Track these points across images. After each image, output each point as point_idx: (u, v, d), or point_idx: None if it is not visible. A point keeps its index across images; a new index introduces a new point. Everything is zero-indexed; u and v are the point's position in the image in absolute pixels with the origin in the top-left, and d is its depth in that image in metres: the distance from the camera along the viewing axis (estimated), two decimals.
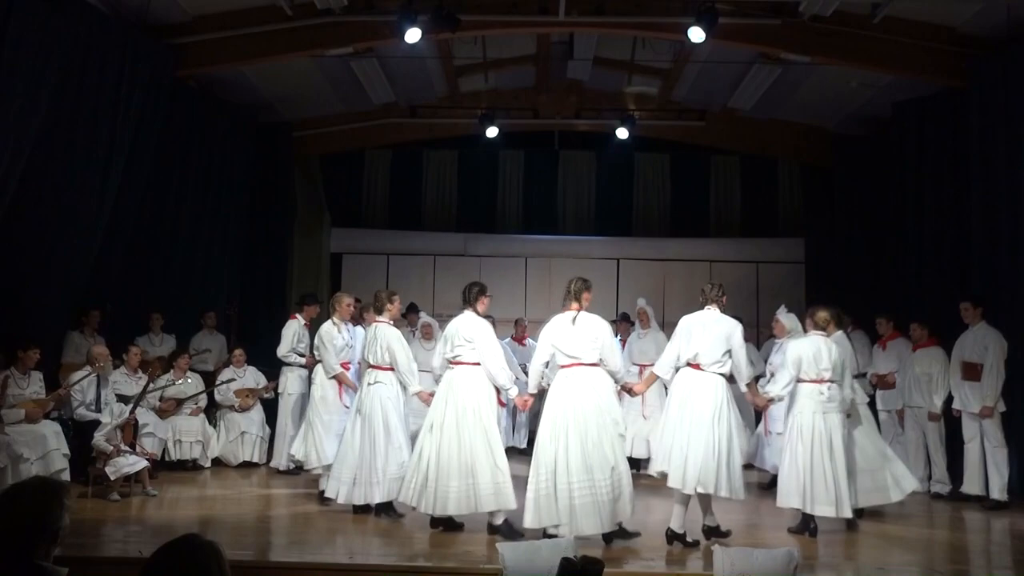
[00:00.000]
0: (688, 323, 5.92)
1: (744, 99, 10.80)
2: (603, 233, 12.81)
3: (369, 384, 6.50)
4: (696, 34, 7.87)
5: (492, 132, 11.34)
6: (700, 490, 5.57)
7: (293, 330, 8.39)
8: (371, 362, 6.52)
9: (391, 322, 6.64)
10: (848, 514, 6.02)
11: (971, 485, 7.52)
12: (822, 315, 6.33)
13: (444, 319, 11.65)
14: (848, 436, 6.31)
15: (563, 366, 5.74)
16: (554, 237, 12.76)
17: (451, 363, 6.10)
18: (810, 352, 6.16)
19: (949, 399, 7.73)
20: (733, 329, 5.80)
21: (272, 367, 8.93)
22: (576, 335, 5.71)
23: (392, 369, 6.48)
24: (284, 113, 11.20)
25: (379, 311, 6.68)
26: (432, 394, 6.29)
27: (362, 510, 6.47)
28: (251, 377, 9.08)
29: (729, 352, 5.74)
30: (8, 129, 6.48)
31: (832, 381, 6.14)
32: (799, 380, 6.16)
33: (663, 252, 12.51)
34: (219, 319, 9.83)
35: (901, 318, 8.44)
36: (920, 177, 9.21)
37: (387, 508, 6.41)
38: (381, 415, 6.40)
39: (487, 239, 12.58)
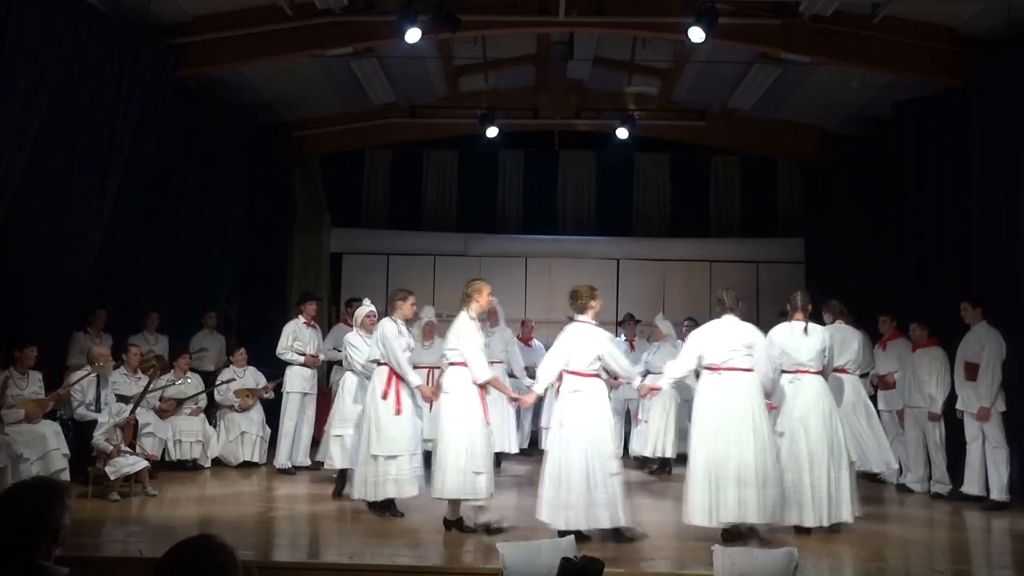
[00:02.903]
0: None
1: (744, 99, 10.80)
2: (603, 233, 12.81)
3: (570, 393, 5.77)
4: (696, 34, 7.86)
5: (492, 132, 11.33)
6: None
7: (290, 328, 8.47)
8: (573, 368, 5.80)
9: (594, 322, 5.93)
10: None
11: (971, 485, 7.52)
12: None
13: (444, 319, 11.71)
14: None
15: (789, 371, 6.13)
16: (554, 237, 12.76)
17: (717, 369, 5.81)
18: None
19: (951, 399, 7.73)
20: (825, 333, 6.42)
21: (272, 367, 8.96)
22: (806, 344, 6.10)
23: (596, 376, 5.81)
24: (284, 113, 11.19)
25: (581, 310, 5.93)
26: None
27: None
28: (251, 377, 9.09)
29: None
30: (8, 128, 6.48)
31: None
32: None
33: (663, 252, 12.51)
34: (219, 319, 9.84)
35: (901, 318, 8.45)
36: (920, 177, 9.20)
37: (621, 533, 5.69)
38: (588, 429, 5.66)
39: (487, 239, 12.58)
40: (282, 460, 8.39)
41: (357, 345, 7.25)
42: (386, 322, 6.62)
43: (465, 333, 6.04)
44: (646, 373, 8.13)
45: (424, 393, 6.55)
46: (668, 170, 13.25)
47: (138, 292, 8.93)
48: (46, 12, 6.68)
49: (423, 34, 8.00)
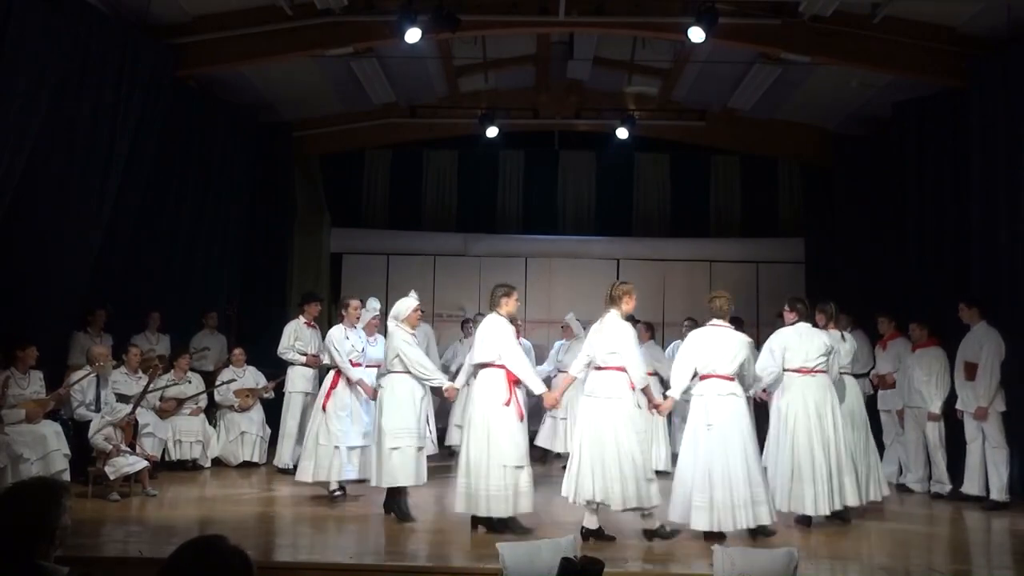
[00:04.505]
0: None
1: (744, 99, 10.80)
2: (603, 233, 12.79)
3: (719, 396, 5.87)
4: (696, 34, 7.86)
5: (492, 132, 11.32)
6: None
7: (291, 329, 8.47)
8: (719, 372, 5.91)
9: (731, 326, 6.10)
10: None
11: (971, 485, 7.52)
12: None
13: (444, 319, 11.82)
14: None
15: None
16: (554, 237, 12.75)
17: (810, 371, 6.43)
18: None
19: (951, 399, 7.73)
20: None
21: (272, 367, 8.96)
22: (846, 349, 7.02)
23: (733, 379, 5.93)
24: (284, 113, 11.19)
25: (723, 315, 6.07)
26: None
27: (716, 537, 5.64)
28: (251, 377, 9.09)
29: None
30: (8, 128, 6.48)
31: None
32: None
33: (663, 252, 12.49)
34: (219, 319, 9.84)
35: (901, 318, 8.45)
36: (920, 177, 9.20)
37: (765, 530, 5.86)
38: (743, 431, 5.85)
39: (487, 239, 12.57)
40: (284, 459, 8.37)
41: (411, 342, 6.54)
42: (499, 320, 6.09)
43: (626, 337, 5.84)
44: (555, 372, 9.10)
45: (549, 401, 6.31)
46: (668, 170, 13.23)
47: (138, 292, 8.93)
48: (46, 12, 6.68)
49: (423, 34, 8.00)
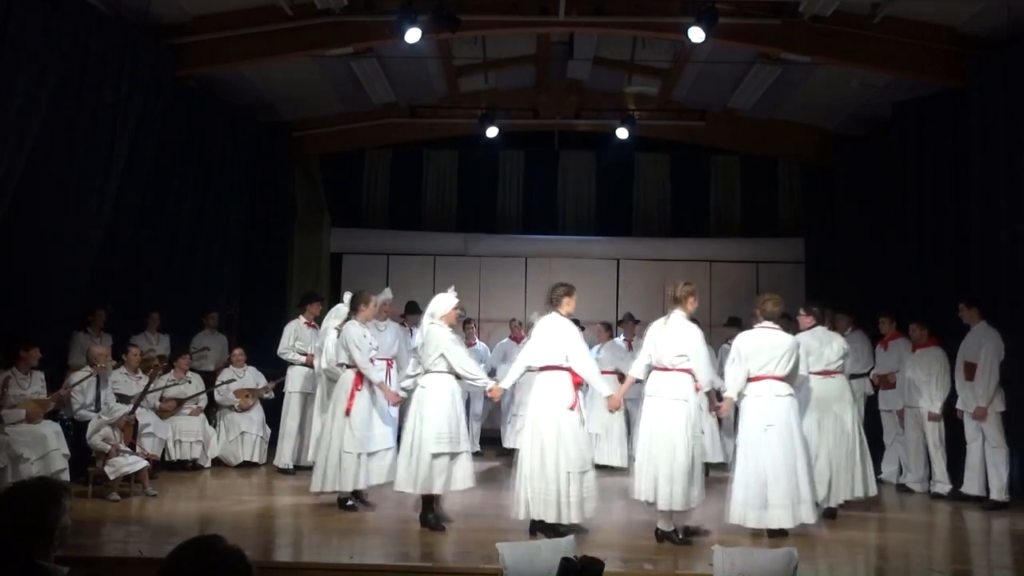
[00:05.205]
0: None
1: (744, 99, 10.80)
2: (603, 233, 12.80)
3: (777, 397, 5.93)
4: (696, 34, 7.87)
5: (492, 132, 11.33)
6: None
7: (291, 329, 8.48)
8: (776, 373, 5.96)
9: (780, 327, 6.13)
10: None
11: (971, 485, 7.53)
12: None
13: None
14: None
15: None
16: (554, 237, 12.75)
17: (831, 374, 6.72)
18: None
19: (951, 399, 7.73)
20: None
21: (272, 367, 8.97)
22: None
23: (785, 379, 6.00)
24: (284, 113, 11.19)
25: (772, 317, 6.09)
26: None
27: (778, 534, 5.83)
28: (251, 377, 9.09)
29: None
30: (8, 128, 6.48)
31: None
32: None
33: (663, 252, 12.49)
34: (220, 319, 9.84)
35: (901, 318, 8.45)
36: (920, 177, 9.20)
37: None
38: (798, 429, 5.99)
39: (487, 239, 12.58)
40: (284, 460, 8.38)
41: (456, 340, 6.28)
42: (563, 320, 5.93)
43: (696, 339, 5.79)
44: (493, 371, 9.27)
45: (612, 403, 6.26)
46: (668, 170, 13.24)
47: (138, 292, 8.93)
48: (46, 12, 6.68)
49: (423, 34, 8.00)
